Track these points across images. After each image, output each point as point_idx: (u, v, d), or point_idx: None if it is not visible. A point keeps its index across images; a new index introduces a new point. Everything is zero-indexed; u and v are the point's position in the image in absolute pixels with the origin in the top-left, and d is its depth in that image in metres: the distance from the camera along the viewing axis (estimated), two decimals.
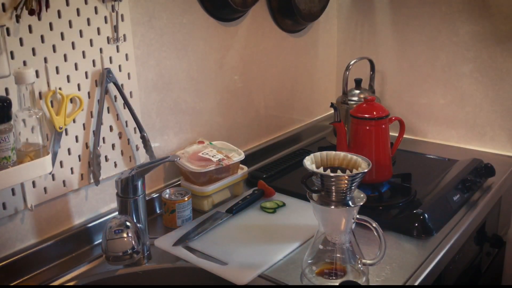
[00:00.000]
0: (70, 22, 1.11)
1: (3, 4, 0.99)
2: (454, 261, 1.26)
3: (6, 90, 1.02)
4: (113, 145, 1.25)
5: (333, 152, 1.09)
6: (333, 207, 1.01)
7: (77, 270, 1.13)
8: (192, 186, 1.35)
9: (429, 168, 1.59)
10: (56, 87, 1.11)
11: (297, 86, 1.84)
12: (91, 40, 1.16)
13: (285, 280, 1.07)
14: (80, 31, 1.13)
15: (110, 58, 1.20)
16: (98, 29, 1.17)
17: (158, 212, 1.38)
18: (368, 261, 1.04)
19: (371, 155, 1.34)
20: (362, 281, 1.03)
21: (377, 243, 1.02)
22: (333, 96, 2.01)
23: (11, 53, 1.02)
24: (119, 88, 1.23)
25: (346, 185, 1.00)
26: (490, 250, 1.58)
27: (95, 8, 1.15)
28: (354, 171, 1.01)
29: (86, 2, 1.13)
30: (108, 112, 1.23)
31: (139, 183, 1.12)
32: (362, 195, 1.04)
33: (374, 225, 1.01)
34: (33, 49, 1.06)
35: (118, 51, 1.22)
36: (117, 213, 1.16)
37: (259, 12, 1.61)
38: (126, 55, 1.24)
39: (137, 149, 1.31)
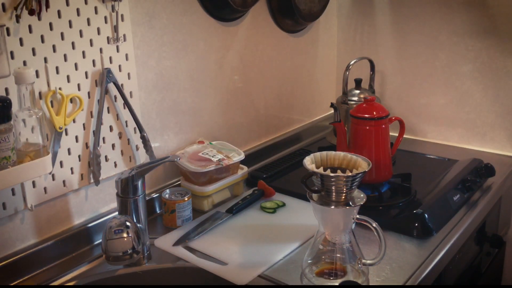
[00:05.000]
0: (70, 22, 1.11)
1: (3, 4, 0.99)
2: (454, 261, 1.26)
3: (6, 90, 1.02)
4: (113, 145, 1.25)
5: (333, 152, 1.09)
6: (333, 207, 1.01)
7: (77, 270, 1.13)
8: (192, 186, 1.35)
9: (429, 168, 1.59)
10: (56, 87, 1.11)
11: (297, 86, 1.84)
12: (91, 40, 1.16)
13: (285, 280, 1.07)
14: (80, 31, 1.13)
15: (110, 58, 1.20)
16: (98, 29, 1.17)
17: (158, 212, 1.38)
18: (368, 261, 1.04)
19: (371, 155, 1.34)
20: (362, 281, 1.03)
21: (377, 243, 1.02)
22: (333, 96, 2.01)
23: (11, 53, 1.02)
24: (119, 88, 1.23)
25: (346, 185, 1.00)
26: (490, 250, 1.58)
27: (95, 8, 1.15)
28: (354, 171, 1.01)
29: (86, 2, 1.13)
30: (108, 112, 1.23)
31: (139, 183, 1.12)
32: (362, 195, 1.04)
33: (374, 225, 1.01)
34: (33, 49, 1.06)
35: (118, 51, 1.22)
36: (117, 213, 1.16)
37: (259, 12, 1.61)
38: (126, 55, 1.24)
39: (137, 149, 1.31)
